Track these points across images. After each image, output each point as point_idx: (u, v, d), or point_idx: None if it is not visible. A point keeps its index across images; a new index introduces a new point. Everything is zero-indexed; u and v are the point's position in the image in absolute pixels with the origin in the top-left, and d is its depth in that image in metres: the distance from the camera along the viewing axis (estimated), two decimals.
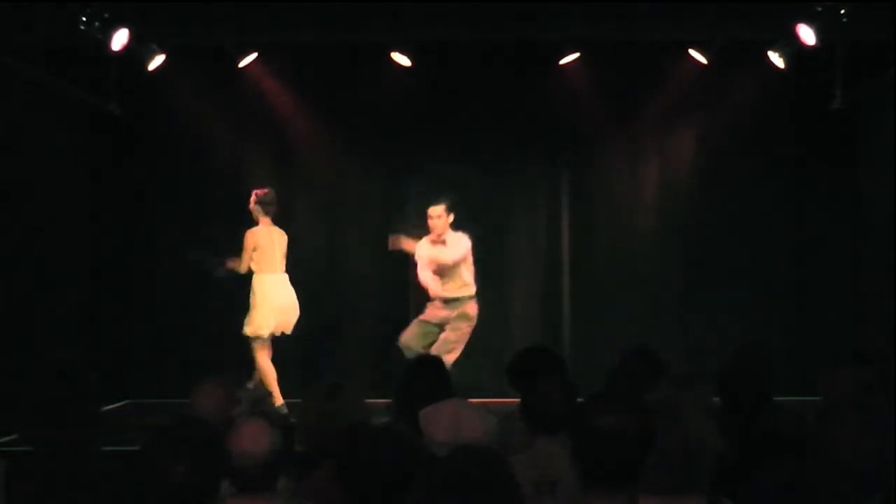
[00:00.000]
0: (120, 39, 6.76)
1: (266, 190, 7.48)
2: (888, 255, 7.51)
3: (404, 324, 7.66)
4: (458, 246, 7.41)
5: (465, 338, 7.44)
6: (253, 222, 7.43)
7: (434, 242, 7.41)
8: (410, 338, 7.38)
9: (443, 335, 7.39)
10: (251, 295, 7.33)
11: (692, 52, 7.90)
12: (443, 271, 7.42)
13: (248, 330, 7.31)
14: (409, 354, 7.11)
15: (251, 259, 7.32)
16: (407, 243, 7.51)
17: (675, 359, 4.02)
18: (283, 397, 7.24)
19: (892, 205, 7.44)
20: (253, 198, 7.45)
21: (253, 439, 2.62)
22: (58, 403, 2.99)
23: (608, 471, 2.44)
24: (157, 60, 7.40)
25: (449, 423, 3.00)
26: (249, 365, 7.46)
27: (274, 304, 7.34)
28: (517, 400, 3.62)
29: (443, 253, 7.38)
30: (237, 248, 7.48)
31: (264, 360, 7.31)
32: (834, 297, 8.41)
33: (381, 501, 2.61)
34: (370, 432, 2.72)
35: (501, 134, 8.56)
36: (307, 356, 8.23)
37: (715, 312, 8.44)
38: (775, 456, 2.58)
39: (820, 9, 6.67)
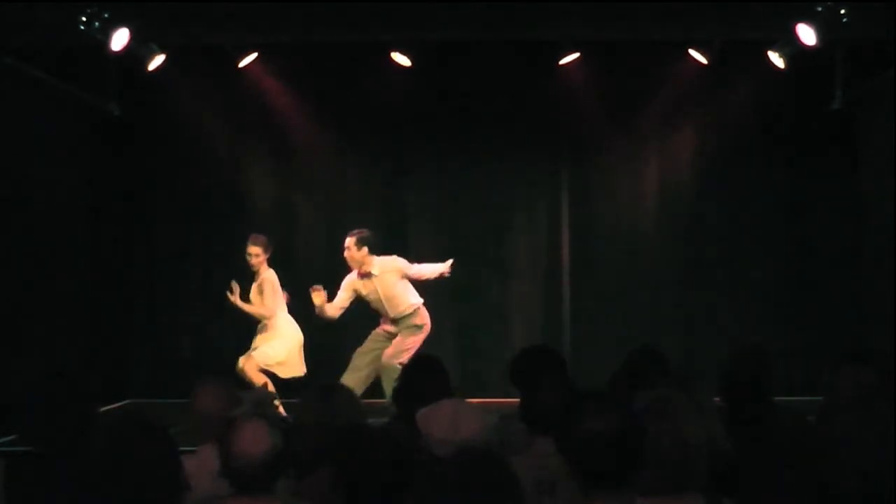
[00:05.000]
0: (120, 39, 6.75)
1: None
2: (888, 255, 7.51)
3: None
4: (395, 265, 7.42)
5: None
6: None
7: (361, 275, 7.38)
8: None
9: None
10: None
11: (692, 52, 7.91)
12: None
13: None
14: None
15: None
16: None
17: (675, 359, 4.01)
18: (283, 397, 7.24)
19: (892, 205, 7.44)
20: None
21: (253, 440, 2.61)
22: (57, 403, 2.99)
23: (598, 471, 2.44)
24: (157, 60, 7.40)
25: (448, 422, 3.00)
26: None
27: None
28: (517, 400, 3.62)
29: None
30: (236, 250, 7.54)
31: None
32: (834, 296, 8.41)
33: (379, 502, 2.61)
34: (368, 433, 2.73)
35: (501, 134, 8.55)
36: (306, 357, 8.22)
37: (715, 312, 8.44)
38: (775, 455, 2.58)
39: (820, 9, 6.67)
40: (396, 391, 3.81)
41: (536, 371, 3.71)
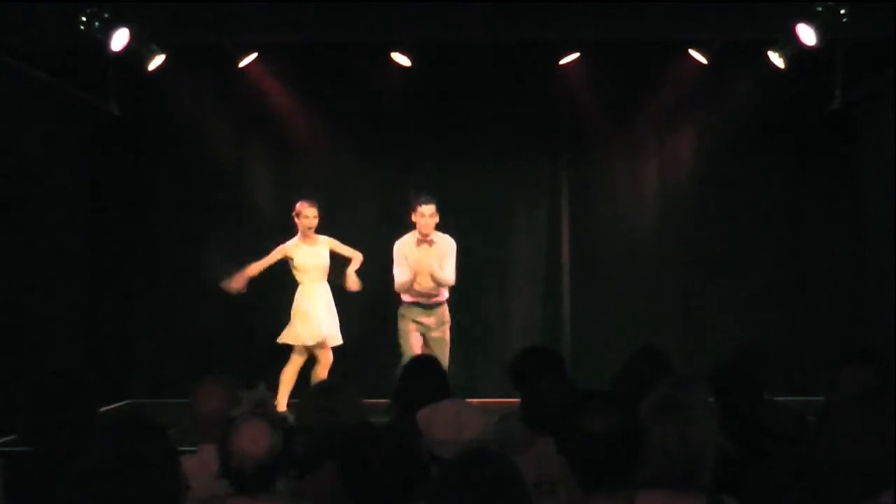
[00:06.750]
0: (120, 39, 6.76)
1: (304, 203, 7.48)
2: (888, 255, 7.51)
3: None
4: (449, 247, 7.42)
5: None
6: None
7: (420, 242, 7.36)
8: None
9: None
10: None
11: (692, 52, 7.91)
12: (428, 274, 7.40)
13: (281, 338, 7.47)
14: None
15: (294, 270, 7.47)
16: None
17: (675, 359, 4.01)
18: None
19: (892, 205, 7.44)
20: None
21: (252, 440, 2.62)
22: (57, 403, 2.99)
23: (598, 471, 2.45)
24: (157, 60, 7.40)
25: (449, 422, 3.01)
26: (253, 366, 7.49)
27: (301, 314, 7.42)
28: (517, 400, 3.62)
29: (433, 253, 7.37)
30: (236, 248, 7.49)
31: (288, 368, 7.39)
32: (834, 296, 8.41)
33: (382, 502, 2.61)
34: (371, 432, 2.73)
35: (501, 134, 8.56)
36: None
37: (715, 312, 8.44)
38: (775, 454, 2.58)
39: (820, 9, 6.67)
40: (396, 392, 3.82)
41: (536, 371, 3.72)
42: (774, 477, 2.29)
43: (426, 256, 7.34)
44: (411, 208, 7.33)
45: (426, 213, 7.24)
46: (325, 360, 7.44)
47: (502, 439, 3.54)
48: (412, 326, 7.40)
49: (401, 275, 7.36)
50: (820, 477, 2.24)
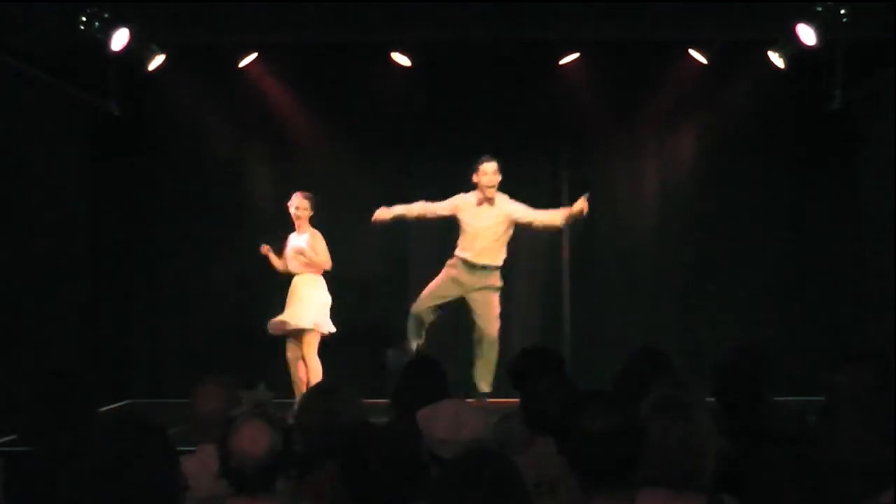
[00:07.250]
0: (120, 39, 6.77)
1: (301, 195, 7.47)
2: (888, 255, 7.51)
3: (402, 324, 7.66)
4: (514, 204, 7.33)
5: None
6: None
7: (482, 201, 7.30)
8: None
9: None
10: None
11: (692, 52, 7.91)
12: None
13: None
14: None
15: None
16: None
17: (675, 359, 4.01)
18: (282, 398, 7.22)
19: (893, 205, 7.44)
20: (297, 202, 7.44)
21: (252, 440, 2.62)
22: (57, 403, 2.99)
23: (598, 471, 2.45)
24: (157, 60, 7.41)
25: (449, 421, 3.01)
26: (253, 366, 7.46)
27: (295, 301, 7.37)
28: (517, 400, 3.62)
29: (493, 218, 7.29)
30: (237, 248, 7.47)
31: (291, 362, 7.36)
32: (834, 296, 8.41)
33: (382, 502, 2.62)
34: (372, 432, 2.73)
35: (501, 134, 8.54)
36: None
37: (715, 312, 8.44)
38: (775, 454, 2.58)
39: (820, 9, 6.67)
40: (396, 392, 3.82)
41: (536, 371, 3.72)
42: (774, 477, 2.30)
43: (488, 221, 7.27)
44: (473, 171, 7.33)
45: (489, 171, 7.23)
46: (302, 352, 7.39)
47: (502, 439, 3.54)
48: (445, 282, 7.31)
49: (430, 206, 7.37)
50: (820, 477, 2.24)
